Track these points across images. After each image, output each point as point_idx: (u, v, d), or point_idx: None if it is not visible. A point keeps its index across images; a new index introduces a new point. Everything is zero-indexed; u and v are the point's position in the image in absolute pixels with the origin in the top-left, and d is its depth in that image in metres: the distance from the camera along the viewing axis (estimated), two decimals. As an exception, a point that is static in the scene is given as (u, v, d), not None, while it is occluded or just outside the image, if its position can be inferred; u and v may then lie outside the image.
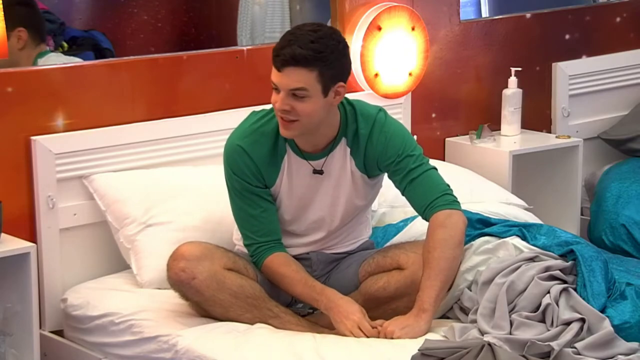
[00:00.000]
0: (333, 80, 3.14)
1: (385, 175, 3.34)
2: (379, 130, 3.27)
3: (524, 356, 2.90)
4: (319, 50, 3.10)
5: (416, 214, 3.43)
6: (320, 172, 3.28)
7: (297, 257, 3.36)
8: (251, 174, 3.25)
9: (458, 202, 3.26)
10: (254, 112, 3.33)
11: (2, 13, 3.44)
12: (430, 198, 3.23)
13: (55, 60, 3.82)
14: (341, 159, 3.28)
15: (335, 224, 3.34)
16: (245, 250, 3.39)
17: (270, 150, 3.25)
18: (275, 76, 3.12)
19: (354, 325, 3.13)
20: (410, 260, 3.24)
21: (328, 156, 3.28)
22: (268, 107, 3.28)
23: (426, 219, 3.25)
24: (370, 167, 3.29)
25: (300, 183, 3.28)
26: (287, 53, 3.08)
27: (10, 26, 3.52)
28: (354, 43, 4.21)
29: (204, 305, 3.23)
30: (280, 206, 3.31)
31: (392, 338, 3.10)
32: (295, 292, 3.25)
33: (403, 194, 3.30)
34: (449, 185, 3.28)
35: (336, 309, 3.17)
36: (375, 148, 3.26)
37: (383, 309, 3.26)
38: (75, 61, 3.83)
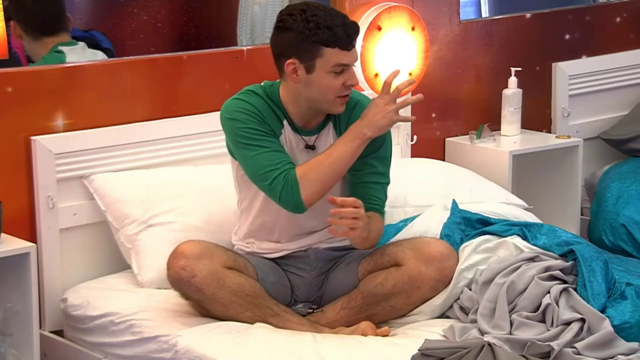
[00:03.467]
0: None
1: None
2: (359, 109, 3.31)
3: (524, 356, 2.90)
4: None
5: (416, 214, 3.45)
6: (312, 147, 3.30)
7: (295, 254, 3.37)
8: (261, 119, 3.24)
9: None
10: (244, 89, 3.34)
11: (2, 13, 3.44)
12: (371, 203, 3.29)
13: (80, 54, 3.82)
14: (330, 140, 3.31)
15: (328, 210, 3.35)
16: (244, 249, 3.40)
17: (273, 116, 3.27)
18: (345, 57, 3.19)
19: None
20: (406, 257, 3.26)
21: (319, 133, 3.31)
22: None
23: None
24: None
25: (295, 157, 3.28)
26: (355, 29, 3.22)
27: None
28: (354, 43, 4.22)
29: (204, 304, 3.23)
30: None
31: None
32: (342, 152, 3.21)
33: (351, 180, 3.32)
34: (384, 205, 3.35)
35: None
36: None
37: (382, 306, 3.26)
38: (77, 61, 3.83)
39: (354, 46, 3.22)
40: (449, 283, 3.30)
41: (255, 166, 3.21)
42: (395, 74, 3.29)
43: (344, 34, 3.17)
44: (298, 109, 3.28)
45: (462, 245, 3.40)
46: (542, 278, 3.19)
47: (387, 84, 3.27)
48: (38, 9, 3.89)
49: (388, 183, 3.38)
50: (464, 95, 4.63)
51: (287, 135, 3.29)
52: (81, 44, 3.88)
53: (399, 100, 3.28)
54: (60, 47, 3.82)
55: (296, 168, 3.19)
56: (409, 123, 4.35)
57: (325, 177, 3.19)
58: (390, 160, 3.38)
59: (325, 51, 3.18)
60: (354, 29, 3.21)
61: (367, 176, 3.31)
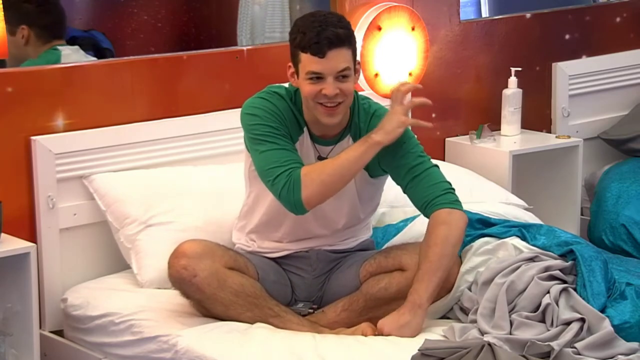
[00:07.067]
0: (355, 58, 3.22)
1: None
2: (377, 119, 3.28)
3: (524, 356, 2.90)
4: (348, 28, 3.19)
5: (416, 213, 3.44)
6: (325, 159, 3.28)
7: (296, 254, 3.37)
8: (281, 121, 3.22)
9: (460, 201, 3.26)
10: (268, 88, 3.32)
11: (2, 13, 3.44)
12: (433, 195, 3.24)
13: (71, 56, 3.84)
14: None
15: (341, 223, 3.34)
16: (245, 248, 3.39)
17: (294, 121, 3.26)
18: (317, 65, 3.13)
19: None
20: (412, 262, 3.24)
21: (336, 145, 3.29)
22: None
23: (427, 215, 3.26)
24: (371, 161, 3.26)
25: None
26: (330, 35, 3.12)
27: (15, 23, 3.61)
28: (354, 43, 4.21)
29: (205, 304, 3.23)
30: None
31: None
32: (348, 155, 3.19)
33: (404, 191, 3.30)
34: (450, 184, 3.28)
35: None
36: None
37: (384, 310, 3.25)
38: (76, 61, 3.84)
39: (325, 54, 3.13)
40: (452, 289, 3.30)
41: (263, 161, 3.20)
42: (403, 84, 3.29)
43: (314, 39, 3.12)
44: (310, 116, 3.26)
45: (464, 250, 3.39)
46: (541, 278, 3.19)
47: (393, 92, 3.26)
48: (56, 15, 3.94)
49: (435, 166, 3.30)
50: (464, 95, 4.63)
51: (305, 142, 3.28)
52: (75, 47, 3.90)
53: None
54: (58, 47, 3.84)
55: (302, 168, 3.17)
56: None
57: (329, 178, 3.16)
58: (420, 148, 3.30)
59: (302, 56, 3.17)
60: (327, 35, 3.12)
61: (407, 176, 3.26)
